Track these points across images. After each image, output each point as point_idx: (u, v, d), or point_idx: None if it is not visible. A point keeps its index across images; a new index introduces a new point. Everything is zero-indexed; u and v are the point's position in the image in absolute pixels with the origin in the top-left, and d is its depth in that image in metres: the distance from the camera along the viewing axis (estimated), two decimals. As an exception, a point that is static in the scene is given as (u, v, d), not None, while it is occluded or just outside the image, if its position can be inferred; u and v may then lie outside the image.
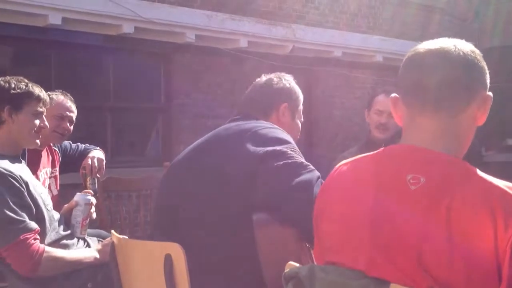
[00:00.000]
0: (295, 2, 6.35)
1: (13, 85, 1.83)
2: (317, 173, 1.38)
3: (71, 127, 2.43)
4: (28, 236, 1.69)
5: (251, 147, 1.41)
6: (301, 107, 1.76)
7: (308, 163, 1.39)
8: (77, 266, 1.84)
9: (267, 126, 1.51)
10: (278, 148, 1.39)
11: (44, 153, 2.35)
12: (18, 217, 1.68)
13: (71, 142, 2.65)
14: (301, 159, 1.39)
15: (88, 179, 2.30)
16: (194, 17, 5.23)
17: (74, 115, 2.43)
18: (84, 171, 2.33)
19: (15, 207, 1.69)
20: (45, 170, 2.30)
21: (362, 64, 6.82)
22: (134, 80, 5.46)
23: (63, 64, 5.02)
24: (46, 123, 1.92)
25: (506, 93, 7.66)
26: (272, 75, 1.73)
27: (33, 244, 1.69)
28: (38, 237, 1.73)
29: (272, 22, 5.83)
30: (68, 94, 2.45)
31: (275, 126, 1.54)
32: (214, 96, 5.61)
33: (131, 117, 5.58)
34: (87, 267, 1.86)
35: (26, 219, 1.71)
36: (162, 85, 5.61)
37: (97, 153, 2.50)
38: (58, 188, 2.48)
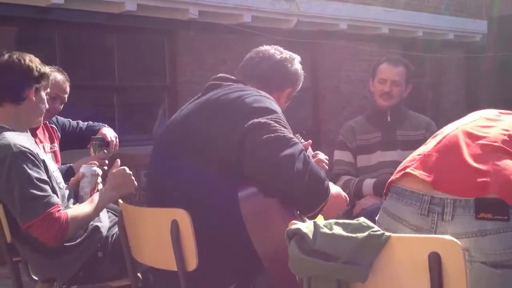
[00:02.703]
0: (298, -25, 6.25)
1: (38, 66, 1.87)
2: (299, 147, 1.38)
3: (61, 106, 2.45)
4: (53, 209, 1.71)
5: (236, 120, 1.41)
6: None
7: (292, 136, 1.39)
8: (97, 214, 1.87)
9: (252, 94, 1.49)
10: (262, 120, 1.38)
11: (40, 130, 2.37)
12: (41, 193, 1.71)
13: (70, 119, 2.66)
14: (284, 131, 1.39)
15: (97, 150, 2.33)
16: (196, -8, 5.17)
17: (66, 96, 2.45)
18: (95, 142, 2.36)
19: (38, 183, 1.71)
20: (42, 145, 2.32)
21: (368, 36, 6.73)
22: (139, 59, 5.45)
23: (67, 44, 5.02)
24: (46, 101, 1.95)
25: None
26: (286, 54, 1.71)
27: (57, 217, 1.71)
28: (61, 208, 1.75)
29: (275, -5, 5.75)
30: (65, 73, 2.44)
31: (261, 92, 1.53)
32: (219, 73, 5.58)
33: (137, 96, 5.60)
34: (98, 238, 1.90)
35: (50, 193, 1.73)
36: (167, 63, 5.60)
37: (109, 130, 2.52)
38: (60, 164, 2.51)
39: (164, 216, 1.43)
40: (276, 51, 1.71)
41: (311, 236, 1.08)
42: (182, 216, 1.39)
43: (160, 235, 1.44)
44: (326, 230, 1.09)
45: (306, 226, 1.11)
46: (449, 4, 7.83)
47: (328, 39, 6.42)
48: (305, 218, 1.47)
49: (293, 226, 1.12)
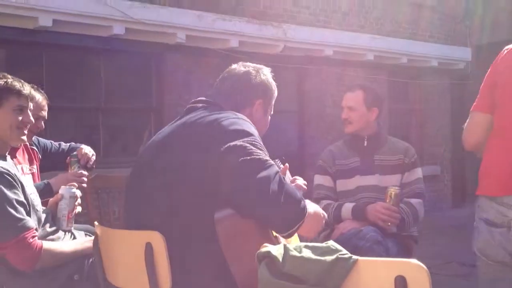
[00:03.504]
0: (285, 1, 6.39)
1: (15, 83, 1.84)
2: (275, 169, 1.39)
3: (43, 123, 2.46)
4: (27, 234, 1.71)
5: (213, 143, 1.42)
6: (273, 102, 1.76)
7: (267, 158, 1.40)
8: (74, 257, 1.86)
9: (229, 117, 1.51)
10: (238, 143, 1.39)
11: (19, 151, 2.37)
12: (18, 215, 1.70)
13: (52, 141, 2.66)
14: (260, 154, 1.40)
15: (74, 166, 2.34)
16: (184, 17, 5.25)
17: (46, 113, 2.46)
18: (72, 159, 2.36)
19: (15, 204, 1.71)
20: (21, 166, 2.31)
21: (354, 63, 6.87)
22: (125, 81, 5.48)
23: (54, 66, 5.04)
24: (31, 118, 1.93)
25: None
26: (250, 67, 1.71)
27: (31, 242, 1.71)
28: (36, 234, 1.75)
29: (262, 22, 5.86)
30: (41, 90, 2.45)
31: (238, 115, 1.54)
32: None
33: (123, 118, 5.61)
34: (73, 259, 1.89)
35: (25, 216, 1.72)
36: (153, 85, 5.64)
37: (87, 148, 2.53)
38: None
39: (138, 238, 1.44)
40: (241, 67, 1.70)
41: (280, 259, 1.10)
42: (156, 239, 1.40)
43: (134, 257, 1.44)
44: (295, 253, 1.10)
45: (276, 249, 1.12)
46: (434, 31, 8.04)
47: (314, 64, 6.53)
48: (280, 238, 1.48)
49: (264, 249, 1.13)
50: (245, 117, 1.56)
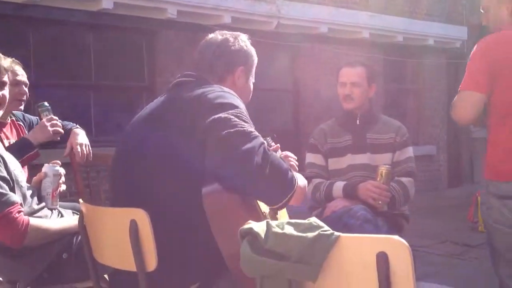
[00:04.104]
0: (280, -23, 6.28)
1: None
2: (259, 140, 1.38)
3: (27, 89, 2.40)
4: (12, 209, 1.69)
5: (198, 117, 1.41)
6: (254, 68, 1.73)
7: (252, 130, 1.39)
8: (62, 235, 1.85)
9: (215, 90, 1.49)
10: (222, 115, 1.38)
11: (7, 127, 2.34)
12: (1, 190, 1.68)
13: (38, 117, 2.62)
14: (244, 125, 1.39)
15: (44, 114, 2.33)
16: (175, -8, 5.16)
17: (26, 77, 2.40)
18: (40, 108, 2.34)
19: None
20: (8, 141, 2.29)
21: (349, 41, 6.79)
22: (116, 58, 5.40)
23: (42, 42, 4.95)
24: (5, 92, 1.88)
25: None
26: (227, 35, 1.68)
27: (17, 217, 1.69)
28: (22, 209, 1.72)
29: (256, -3, 5.77)
30: (13, 58, 2.39)
31: (224, 89, 1.52)
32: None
33: (114, 95, 5.55)
34: (61, 237, 1.88)
35: (8, 191, 1.70)
36: (145, 62, 5.57)
37: (81, 135, 2.47)
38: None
39: (123, 216, 1.42)
40: (218, 35, 1.68)
41: (263, 236, 1.09)
42: (141, 216, 1.38)
43: (119, 235, 1.43)
44: (278, 229, 1.09)
45: (258, 226, 1.11)
46: (431, 10, 7.94)
47: (309, 42, 6.45)
48: (272, 210, 1.47)
49: (246, 226, 1.12)
50: (231, 91, 1.54)
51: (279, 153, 1.96)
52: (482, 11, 2.22)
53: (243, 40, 1.70)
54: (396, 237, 1.03)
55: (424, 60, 7.91)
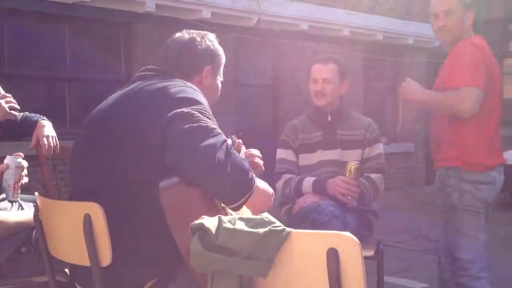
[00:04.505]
0: (261, -27, 6.25)
1: None
2: (222, 138, 1.36)
3: None
4: None
5: (159, 110, 1.38)
6: (222, 67, 1.72)
7: (214, 127, 1.37)
8: (20, 228, 1.80)
9: (178, 85, 1.47)
10: (185, 110, 1.36)
11: None
12: None
13: None
14: (207, 122, 1.37)
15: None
16: (153, -15, 5.10)
17: None
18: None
19: None
20: None
21: (329, 38, 6.80)
22: (92, 50, 5.32)
23: (16, 33, 4.84)
24: None
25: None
26: (194, 34, 1.66)
27: None
28: None
29: (236, -7, 5.74)
30: None
31: (187, 84, 1.50)
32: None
33: (90, 88, 5.46)
34: (21, 231, 1.83)
35: None
36: (122, 56, 5.49)
37: (47, 127, 2.40)
38: None
39: (77, 210, 1.39)
40: (185, 34, 1.66)
41: (214, 231, 1.06)
42: (95, 210, 1.35)
43: (74, 229, 1.39)
44: (229, 225, 1.07)
45: (210, 221, 1.09)
46: (410, 9, 7.99)
47: (289, 38, 6.44)
48: (229, 210, 1.45)
49: (197, 221, 1.10)
50: (194, 86, 1.52)
51: (243, 150, 1.94)
52: (439, 13, 2.20)
53: (210, 40, 1.68)
54: (346, 233, 1.02)
55: (404, 59, 7.97)
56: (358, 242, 1.00)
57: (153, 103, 1.42)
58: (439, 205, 2.27)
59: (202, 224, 1.07)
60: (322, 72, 2.47)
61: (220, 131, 1.39)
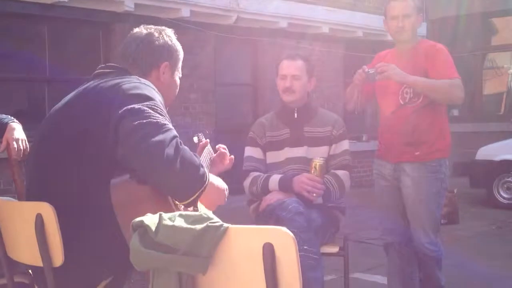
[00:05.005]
0: (240, -29, 6.25)
1: None
2: (172, 133, 1.36)
3: None
4: None
5: (111, 107, 1.39)
6: (181, 63, 1.72)
7: (165, 123, 1.38)
8: None
9: (131, 81, 1.47)
10: (136, 106, 1.37)
11: None
12: None
13: None
14: (158, 118, 1.37)
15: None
16: (132, -16, 5.08)
17: None
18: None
19: None
20: None
21: (309, 35, 6.83)
22: (72, 51, 5.30)
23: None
24: None
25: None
26: (152, 29, 1.66)
27: None
28: None
29: (215, -9, 5.74)
30: None
31: (141, 80, 1.51)
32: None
33: (69, 89, 5.37)
34: None
35: None
36: (101, 56, 5.47)
37: (17, 130, 2.39)
38: None
39: (29, 210, 1.40)
40: (143, 29, 1.66)
41: (153, 229, 1.08)
42: (47, 210, 1.36)
43: (27, 230, 1.41)
44: (168, 222, 1.09)
45: (150, 219, 1.11)
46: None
47: (268, 37, 6.46)
48: (181, 206, 1.46)
49: (138, 218, 1.11)
50: (148, 82, 1.52)
51: (209, 148, 1.95)
52: (399, 15, 2.56)
53: (168, 35, 1.67)
54: (283, 228, 1.04)
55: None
56: (293, 236, 1.03)
57: (106, 100, 1.43)
58: (429, 193, 2.55)
59: (142, 222, 1.09)
60: (291, 68, 2.49)
61: (171, 127, 1.39)
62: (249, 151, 2.56)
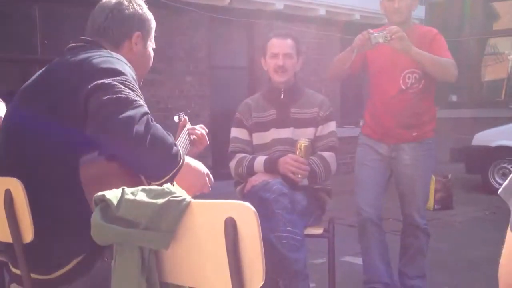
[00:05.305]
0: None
1: None
2: (143, 110, 1.32)
3: None
4: None
5: (81, 82, 1.35)
6: (153, 33, 1.68)
7: (136, 98, 1.33)
8: None
9: (102, 55, 1.43)
10: (106, 81, 1.32)
11: None
12: None
13: None
14: (129, 93, 1.33)
15: None
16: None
17: None
18: None
19: None
20: None
21: (305, 18, 6.74)
22: (63, 31, 5.23)
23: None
24: None
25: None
26: None
27: None
28: None
29: (210, -28, 5.65)
30: None
31: (113, 54, 1.46)
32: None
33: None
34: None
35: None
36: (93, 37, 5.41)
37: (1, 108, 2.37)
38: None
39: (-2, 185, 1.38)
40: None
41: (115, 203, 1.06)
42: (15, 185, 1.34)
43: (-3, 205, 1.39)
44: (130, 196, 1.06)
45: (113, 193, 1.08)
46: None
47: (264, 19, 6.38)
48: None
49: (100, 193, 1.09)
50: (120, 56, 1.48)
51: (187, 127, 1.92)
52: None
53: (138, 4, 1.62)
54: (244, 203, 1.02)
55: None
56: (255, 210, 1.00)
57: (76, 75, 1.39)
58: (426, 170, 2.72)
59: (103, 196, 1.07)
60: (283, 46, 2.44)
61: (142, 103, 1.35)
62: (235, 132, 2.54)
